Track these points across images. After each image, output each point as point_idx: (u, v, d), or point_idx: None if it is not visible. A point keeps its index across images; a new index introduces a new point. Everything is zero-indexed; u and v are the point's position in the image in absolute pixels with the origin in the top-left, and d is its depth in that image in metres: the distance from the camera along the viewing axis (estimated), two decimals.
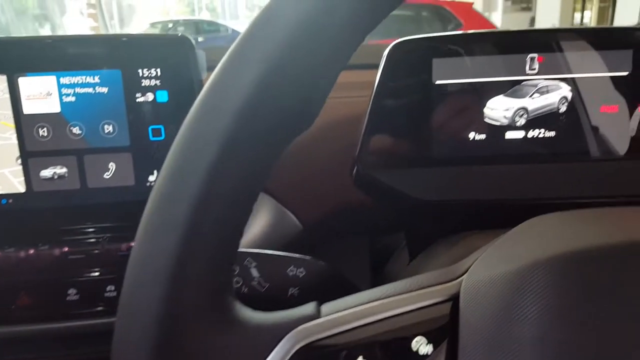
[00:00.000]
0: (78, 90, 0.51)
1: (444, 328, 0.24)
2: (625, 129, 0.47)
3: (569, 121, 0.47)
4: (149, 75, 0.52)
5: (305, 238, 0.64)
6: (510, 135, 0.47)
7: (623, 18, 7.17)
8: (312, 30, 0.21)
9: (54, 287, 0.51)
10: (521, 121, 0.47)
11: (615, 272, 0.22)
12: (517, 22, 10.54)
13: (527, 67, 0.46)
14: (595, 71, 0.46)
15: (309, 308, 0.25)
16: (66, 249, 0.52)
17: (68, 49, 0.51)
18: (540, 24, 10.28)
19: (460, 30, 5.04)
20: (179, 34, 0.54)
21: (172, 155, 0.22)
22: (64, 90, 0.51)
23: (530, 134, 0.47)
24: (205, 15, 14.82)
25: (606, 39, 0.46)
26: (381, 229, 0.65)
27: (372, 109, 0.47)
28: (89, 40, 0.53)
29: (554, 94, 0.46)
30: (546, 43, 0.46)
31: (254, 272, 0.35)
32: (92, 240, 0.53)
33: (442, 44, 0.46)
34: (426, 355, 0.24)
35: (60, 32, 9.12)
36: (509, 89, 0.46)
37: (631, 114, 0.46)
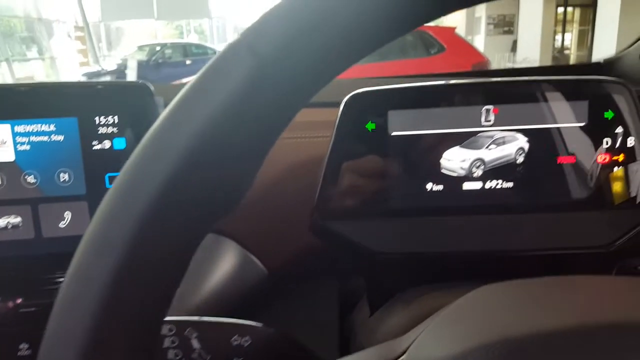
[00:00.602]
0: (33, 138, 0.50)
1: None
2: (583, 180, 0.47)
3: (526, 172, 0.47)
4: (106, 123, 0.51)
5: (271, 282, 0.63)
6: (467, 186, 0.47)
7: (602, 41, 7.35)
8: (236, 112, 0.21)
9: (5, 341, 0.49)
10: (478, 172, 0.47)
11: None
12: (500, 45, 10.75)
13: (483, 119, 0.46)
14: (552, 122, 0.46)
15: None
16: (19, 300, 0.50)
17: (23, 97, 0.51)
18: (522, 47, 10.49)
19: (443, 54, 5.12)
20: (139, 81, 0.53)
21: (92, 225, 0.21)
22: (19, 139, 0.50)
23: (488, 185, 0.47)
24: (193, 38, 14.90)
25: (562, 90, 0.46)
26: (347, 273, 0.64)
27: (329, 160, 0.46)
28: (45, 87, 0.52)
29: (510, 145, 0.46)
30: (502, 94, 0.46)
31: (195, 344, 0.34)
32: (47, 291, 0.51)
33: (398, 95, 0.46)
34: None
35: (47, 54, 9.11)
36: (465, 140, 0.46)
37: (588, 164, 0.46)
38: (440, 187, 0.47)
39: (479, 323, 0.25)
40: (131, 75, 4.81)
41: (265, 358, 0.32)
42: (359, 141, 0.46)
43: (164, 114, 0.21)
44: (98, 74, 7.18)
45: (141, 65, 7.10)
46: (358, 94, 0.46)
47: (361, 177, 0.47)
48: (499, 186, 0.47)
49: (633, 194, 0.46)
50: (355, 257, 0.49)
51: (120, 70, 7.24)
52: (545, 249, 0.47)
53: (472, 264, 0.47)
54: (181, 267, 0.22)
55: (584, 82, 0.46)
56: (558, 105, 0.46)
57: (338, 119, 0.46)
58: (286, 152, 0.59)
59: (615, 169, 0.46)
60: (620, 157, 0.46)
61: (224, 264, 0.62)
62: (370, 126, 0.46)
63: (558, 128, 0.46)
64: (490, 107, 0.46)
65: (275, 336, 0.37)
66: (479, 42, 10.94)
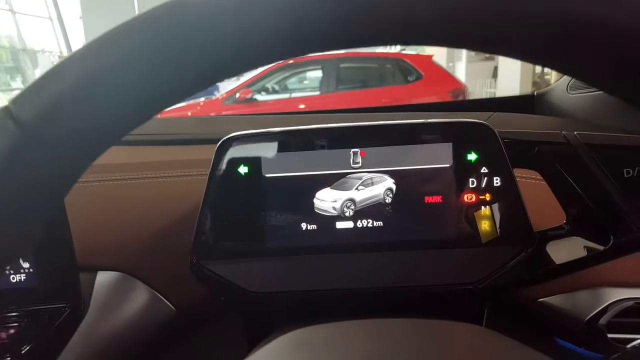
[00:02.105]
0: None
1: None
2: (451, 219, 0.48)
3: (394, 212, 0.48)
4: None
5: (181, 321, 0.63)
6: (340, 225, 0.48)
7: None
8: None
9: None
10: (349, 212, 0.48)
11: None
12: (481, 72, 10.93)
13: (351, 161, 0.47)
14: (418, 164, 0.48)
15: None
16: None
17: None
18: (503, 73, 10.69)
19: (421, 81, 5.21)
20: None
21: None
22: None
23: (360, 224, 0.48)
24: None
25: (427, 132, 0.48)
26: (251, 312, 0.64)
27: (204, 202, 0.47)
28: None
29: (378, 186, 0.48)
30: (368, 138, 0.48)
31: None
32: None
33: (270, 139, 0.47)
34: None
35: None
36: (336, 181, 0.48)
37: (455, 204, 0.48)
38: (314, 227, 0.48)
39: None
40: None
41: None
42: (233, 183, 0.47)
43: None
44: None
45: None
46: (230, 138, 0.47)
47: (236, 218, 0.48)
48: (370, 225, 0.48)
49: (500, 233, 0.48)
50: (232, 297, 0.49)
51: None
52: (416, 286, 0.48)
53: (347, 300, 0.48)
54: None
55: (449, 125, 0.48)
56: (423, 147, 0.47)
57: (212, 162, 0.47)
58: (185, 189, 0.60)
59: (482, 208, 0.48)
60: (487, 197, 0.48)
61: (132, 303, 0.62)
62: (244, 169, 0.47)
63: (424, 169, 0.47)
64: (358, 150, 0.47)
65: None
66: (460, 68, 11.12)
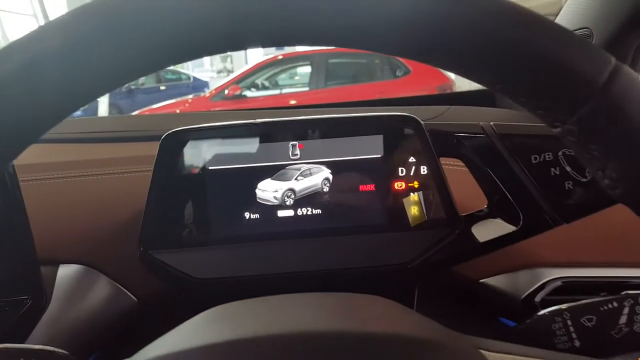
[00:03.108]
0: None
1: None
2: (383, 205, 0.52)
3: (331, 200, 0.52)
4: None
5: (143, 312, 0.66)
6: (281, 214, 0.52)
7: None
8: None
9: None
10: (290, 201, 0.52)
11: None
12: None
13: (290, 153, 0.51)
14: (352, 155, 0.51)
15: None
16: None
17: None
18: None
19: (409, 76, 5.24)
20: None
21: None
22: None
23: (299, 212, 0.52)
24: None
25: (359, 125, 0.51)
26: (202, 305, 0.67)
27: (150, 195, 0.50)
28: None
29: (316, 176, 0.51)
30: (305, 131, 0.51)
31: None
32: None
33: (213, 134, 0.51)
34: None
35: None
36: (276, 172, 0.51)
37: (386, 191, 0.52)
38: (257, 216, 0.52)
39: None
40: (103, 103, 4.83)
41: None
42: (177, 176, 0.51)
43: None
44: None
45: (113, 93, 7.11)
46: (174, 132, 0.50)
47: (181, 209, 0.51)
48: (309, 213, 0.52)
49: (428, 217, 0.52)
50: (178, 284, 0.53)
51: None
52: (352, 268, 0.52)
53: (289, 284, 0.52)
54: None
55: (379, 118, 0.51)
56: (357, 139, 0.51)
57: (156, 156, 0.50)
58: (131, 185, 0.63)
59: (411, 194, 0.52)
60: (415, 184, 0.52)
61: (94, 294, 0.65)
62: (187, 162, 0.51)
63: (358, 160, 0.51)
64: (296, 142, 0.51)
65: (61, 357, 0.40)
66: None
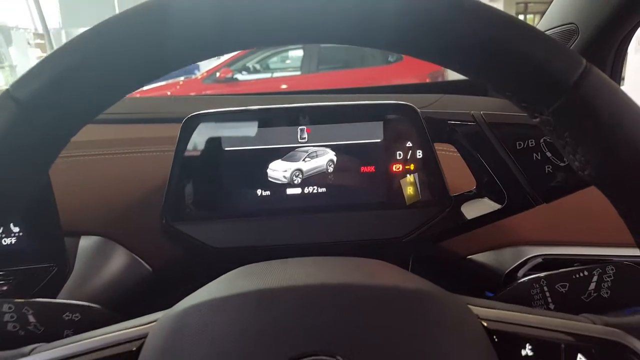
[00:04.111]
0: None
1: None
2: (382, 185, 0.57)
3: (335, 180, 0.57)
4: None
5: (157, 281, 0.71)
6: (290, 191, 0.57)
7: None
8: None
9: None
10: (298, 180, 0.57)
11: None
12: None
13: (299, 137, 0.56)
14: (355, 139, 0.56)
15: (25, 350, 0.32)
16: None
17: None
18: None
19: (401, 62, 5.24)
20: None
21: None
22: None
23: (306, 190, 0.57)
24: None
25: (362, 112, 0.56)
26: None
27: (172, 172, 0.55)
28: None
29: (322, 158, 0.56)
30: (313, 117, 0.56)
31: (31, 318, 0.42)
32: None
33: (230, 117, 0.56)
34: None
35: (6, 63, 8.94)
36: (286, 154, 0.56)
37: (385, 173, 0.57)
38: (267, 193, 0.57)
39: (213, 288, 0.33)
40: None
41: (92, 329, 0.39)
42: (197, 156, 0.56)
43: None
44: None
45: None
46: (194, 115, 0.55)
47: (200, 186, 0.56)
48: (315, 191, 0.57)
49: (422, 197, 0.57)
50: (197, 252, 0.58)
51: None
52: (353, 241, 0.57)
53: (297, 255, 0.57)
54: None
55: (380, 106, 0.56)
56: (359, 125, 0.56)
57: (178, 137, 0.55)
58: (161, 161, 0.68)
59: (407, 176, 0.57)
60: (411, 167, 0.57)
61: (112, 264, 0.70)
62: (207, 143, 0.56)
63: (360, 144, 0.56)
64: (304, 127, 0.56)
65: (102, 313, 0.45)
66: None
